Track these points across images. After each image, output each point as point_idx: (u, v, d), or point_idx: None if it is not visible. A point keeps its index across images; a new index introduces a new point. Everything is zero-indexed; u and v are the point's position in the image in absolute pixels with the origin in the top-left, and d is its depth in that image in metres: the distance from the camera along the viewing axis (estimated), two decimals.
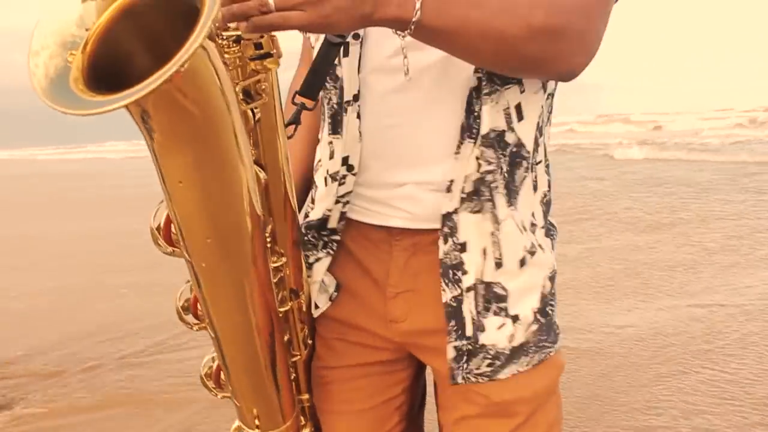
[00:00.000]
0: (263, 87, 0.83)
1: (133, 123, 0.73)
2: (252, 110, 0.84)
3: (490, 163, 0.90)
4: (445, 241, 0.93)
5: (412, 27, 0.75)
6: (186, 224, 0.81)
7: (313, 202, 1.03)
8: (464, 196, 0.91)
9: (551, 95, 0.96)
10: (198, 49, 0.63)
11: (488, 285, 0.93)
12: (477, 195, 0.91)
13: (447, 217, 0.92)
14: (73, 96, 0.66)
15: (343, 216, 0.99)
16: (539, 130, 0.94)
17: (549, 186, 0.99)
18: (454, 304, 0.93)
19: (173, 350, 3.67)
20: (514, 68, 0.85)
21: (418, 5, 0.74)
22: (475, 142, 0.89)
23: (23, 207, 11.03)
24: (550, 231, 0.99)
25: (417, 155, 0.93)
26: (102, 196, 11.87)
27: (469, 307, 0.93)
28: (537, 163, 0.96)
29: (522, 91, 0.90)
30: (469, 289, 0.93)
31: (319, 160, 1.02)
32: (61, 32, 0.70)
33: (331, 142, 0.98)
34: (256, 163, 0.88)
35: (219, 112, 0.74)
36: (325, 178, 0.99)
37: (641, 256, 5.17)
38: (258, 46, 0.79)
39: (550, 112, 0.98)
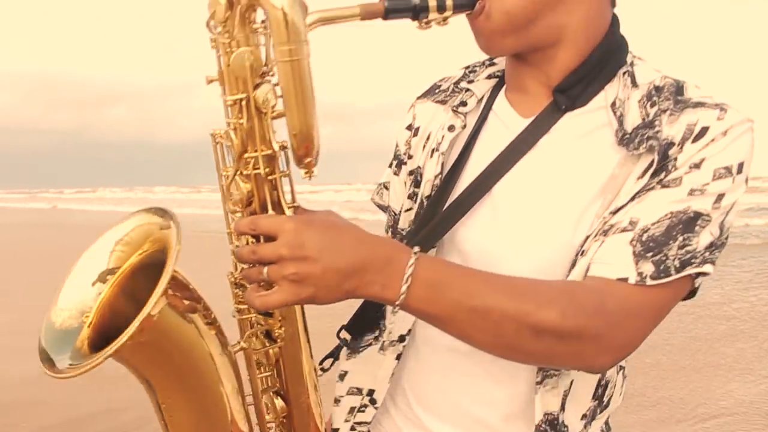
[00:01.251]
0: (280, 333, 0.86)
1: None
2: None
3: None
4: None
5: (397, 307, 0.70)
6: None
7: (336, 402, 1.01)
8: None
9: (622, 368, 0.88)
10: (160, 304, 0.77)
11: None
12: None
13: None
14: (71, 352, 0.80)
15: None
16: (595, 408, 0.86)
17: None
18: None
19: None
20: (520, 361, 0.78)
21: (404, 289, 0.68)
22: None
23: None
24: None
25: (459, 418, 0.89)
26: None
27: None
28: None
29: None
30: None
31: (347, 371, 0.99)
32: (83, 302, 0.80)
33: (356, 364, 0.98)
34: (277, 393, 0.91)
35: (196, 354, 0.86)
36: (348, 390, 0.98)
37: None
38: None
39: (623, 386, 0.90)
